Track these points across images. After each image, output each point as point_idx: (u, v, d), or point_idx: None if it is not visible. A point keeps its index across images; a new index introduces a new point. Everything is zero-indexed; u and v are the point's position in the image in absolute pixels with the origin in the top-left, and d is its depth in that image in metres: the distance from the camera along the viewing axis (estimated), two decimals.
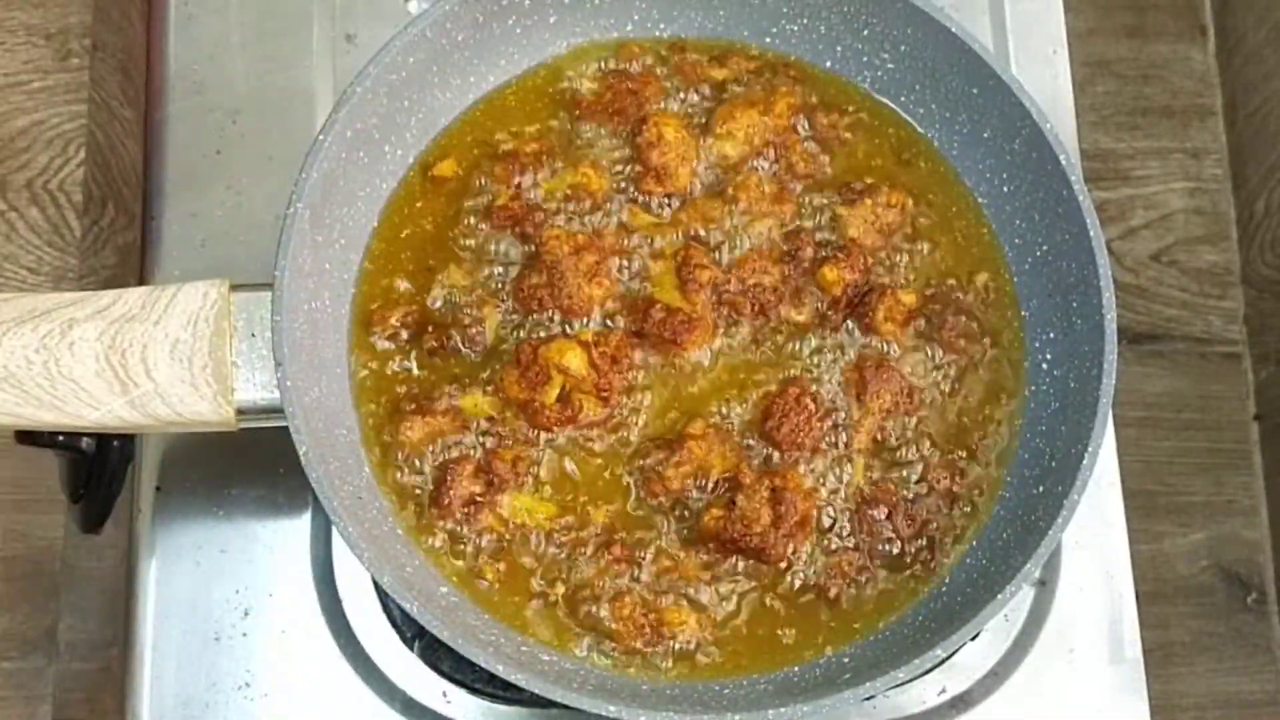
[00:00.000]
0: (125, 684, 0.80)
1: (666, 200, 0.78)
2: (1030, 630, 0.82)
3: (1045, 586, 0.83)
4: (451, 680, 0.80)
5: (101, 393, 0.69)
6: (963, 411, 0.76)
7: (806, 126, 0.80)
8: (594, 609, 0.72)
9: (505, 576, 0.73)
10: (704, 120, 0.80)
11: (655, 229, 0.77)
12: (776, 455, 0.74)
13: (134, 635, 0.80)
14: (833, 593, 0.73)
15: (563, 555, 0.73)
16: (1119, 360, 0.71)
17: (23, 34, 1.49)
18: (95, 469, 0.83)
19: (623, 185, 0.79)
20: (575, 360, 0.73)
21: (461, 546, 0.73)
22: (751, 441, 0.74)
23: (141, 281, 0.86)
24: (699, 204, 0.78)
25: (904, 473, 0.75)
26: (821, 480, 0.74)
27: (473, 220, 0.78)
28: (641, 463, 0.74)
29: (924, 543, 0.74)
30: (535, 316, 0.76)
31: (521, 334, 0.75)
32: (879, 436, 0.75)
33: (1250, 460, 1.48)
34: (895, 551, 0.74)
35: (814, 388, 0.75)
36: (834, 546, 0.73)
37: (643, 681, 0.72)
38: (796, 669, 0.72)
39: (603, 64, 0.81)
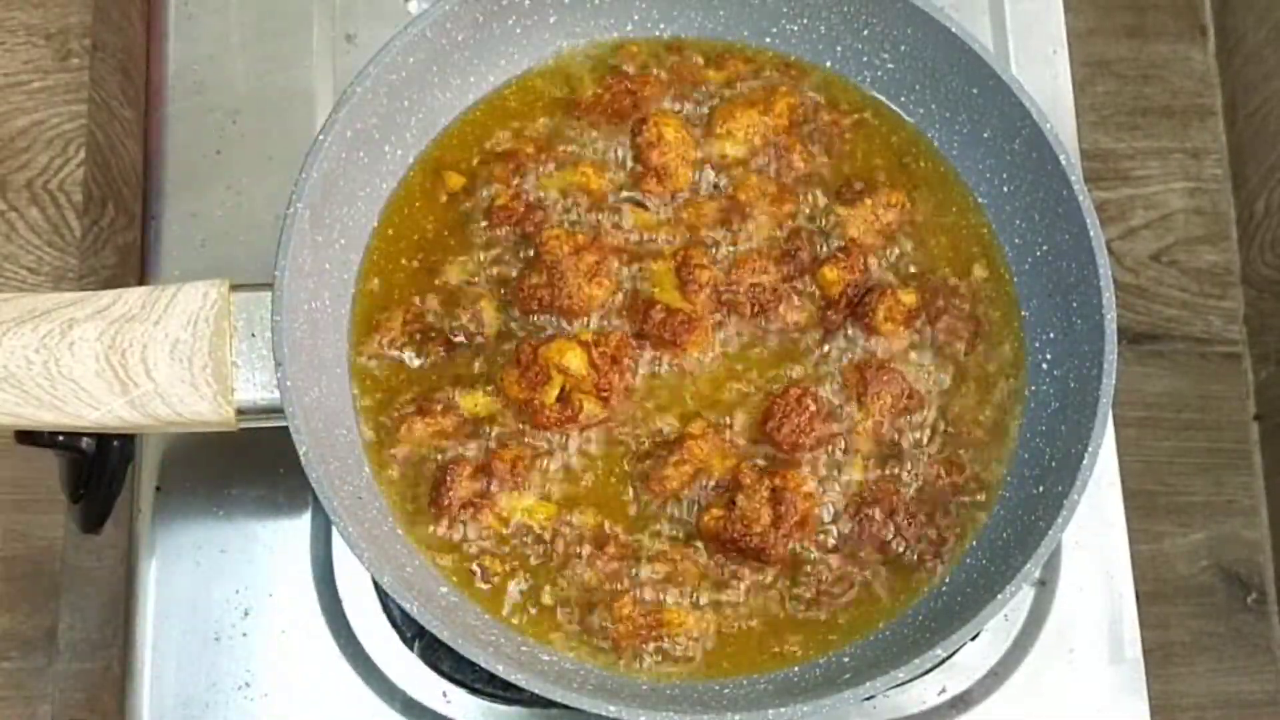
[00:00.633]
0: (125, 684, 0.80)
1: (666, 200, 0.78)
2: (1030, 630, 0.82)
3: (1045, 586, 0.83)
4: (451, 680, 0.80)
5: (101, 393, 0.69)
6: (962, 412, 0.76)
7: (807, 126, 0.80)
8: (593, 609, 0.72)
9: (505, 577, 0.73)
10: (704, 120, 0.80)
11: (655, 229, 0.77)
12: (777, 455, 0.74)
13: (134, 635, 0.80)
14: (833, 592, 0.73)
15: (562, 555, 0.73)
16: (1119, 360, 0.71)
17: (23, 34, 1.49)
18: (95, 469, 0.83)
19: (623, 185, 0.79)
20: (575, 360, 0.73)
21: (461, 547, 0.73)
22: (752, 442, 0.74)
23: (141, 281, 0.86)
24: (699, 204, 0.78)
25: (904, 473, 0.75)
26: (822, 481, 0.74)
27: (473, 220, 0.78)
28: (641, 463, 0.74)
29: (924, 543, 0.74)
30: (535, 316, 0.76)
31: (521, 334, 0.75)
32: (879, 437, 0.75)
33: (1250, 460, 1.48)
34: (895, 552, 0.74)
35: (815, 388, 0.75)
36: (833, 546, 0.73)
37: (643, 681, 0.72)
38: (796, 669, 0.72)
39: (603, 64, 0.81)
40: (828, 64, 0.81)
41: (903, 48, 0.79)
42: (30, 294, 0.70)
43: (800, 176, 0.79)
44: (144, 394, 0.69)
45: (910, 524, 0.74)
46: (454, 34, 0.76)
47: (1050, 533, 0.68)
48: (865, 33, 0.79)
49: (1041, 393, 0.76)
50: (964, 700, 0.81)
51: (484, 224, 0.78)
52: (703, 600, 0.72)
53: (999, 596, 0.67)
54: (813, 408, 0.74)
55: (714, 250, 0.77)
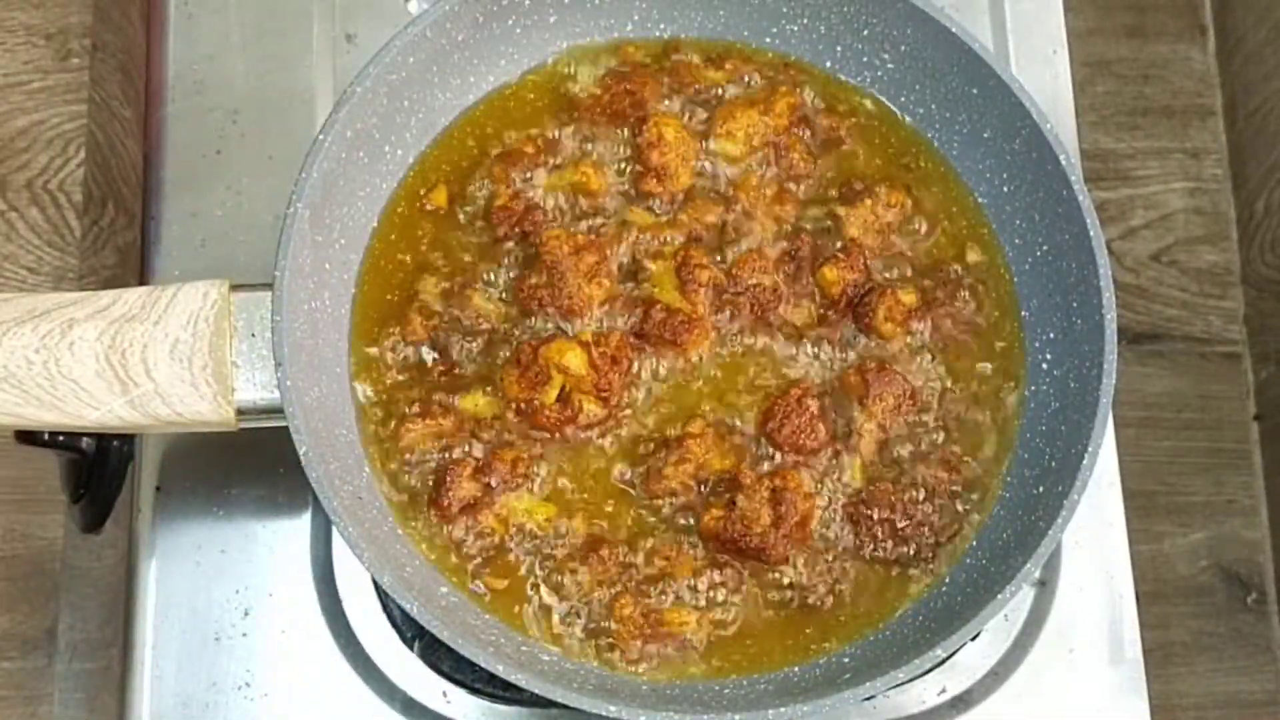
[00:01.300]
0: (125, 684, 0.80)
1: (666, 200, 0.78)
2: (1030, 630, 0.82)
3: (1045, 586, 0.83)
4: (451, 680, 0.80)
5: (101, 393, 0.69)
6: (962, 412, 0.76)
7: (807, 127, 0.80)
8: (593, 609, 0.72)
9: (505, 577, 0.73)
10: (704, 120, 0.80)
11: (655, 229, 0.77)
12: (777, 456, 0.74)
13: (134, 635, 0.80)
14: (833, 592, 0.73)
15: (561, 556, 0.73)
16: (1119, 360, 0.71)
17: (22, 34, 1.49)
18: (95, 469, 0.83)
19: (623, 185, 0.79)
20: (575, 360, 0.73)
21: (461, 547, 0.73)
22: (752, 442, 0.74)
23: (141, 281, 0.86)
24: (699, 204, 0.78)
25: (904, 474, 0.75)
26: (821, 481, 0.74)
27: (472, 221, 0.78)
28: (640, 464, 0.74)
29: (924, 542, 0.74)
30: (535, 317, 0.76)
31: (521, 334, 0.75)
32: (879, 438, 0.75)
33: (1250, 460, 1.48)
34: (896, 552, 0.74)
35: (815, 389, 0.75)
36: (835, 546, 0.73)
37: (643, 681, 0.72)
38: (796, 669, 0.72)
39: (603, 64, 0.81)
40: (828, 64, 0.81)
41: (903, 48, 0.79)
42: (30, 294, 0.70)
43: (800, 177, 0.79)
44: (144, 394, 0.69)
45: (910, 524, 0.74)
46: (454, 34, 0.76)
47: (1050, 533, 0.68)
48: (865, 33, 0.79)
49: (1041, 393, 0.76)
50: (964, 700, 0.81)
51: (483, 225, 0.78)
52: (703, 600, 0.72)
53: (999, 597, 0.68)
54: (813, 408, 0.74)
55: (714, 252, 0.77)
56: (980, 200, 0.80)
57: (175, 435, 0.82)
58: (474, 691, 0.80)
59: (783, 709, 0.66)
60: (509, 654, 0.69)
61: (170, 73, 0.89)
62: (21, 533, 1.40)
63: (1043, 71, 0.92)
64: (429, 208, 0.78)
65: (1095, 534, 0.84)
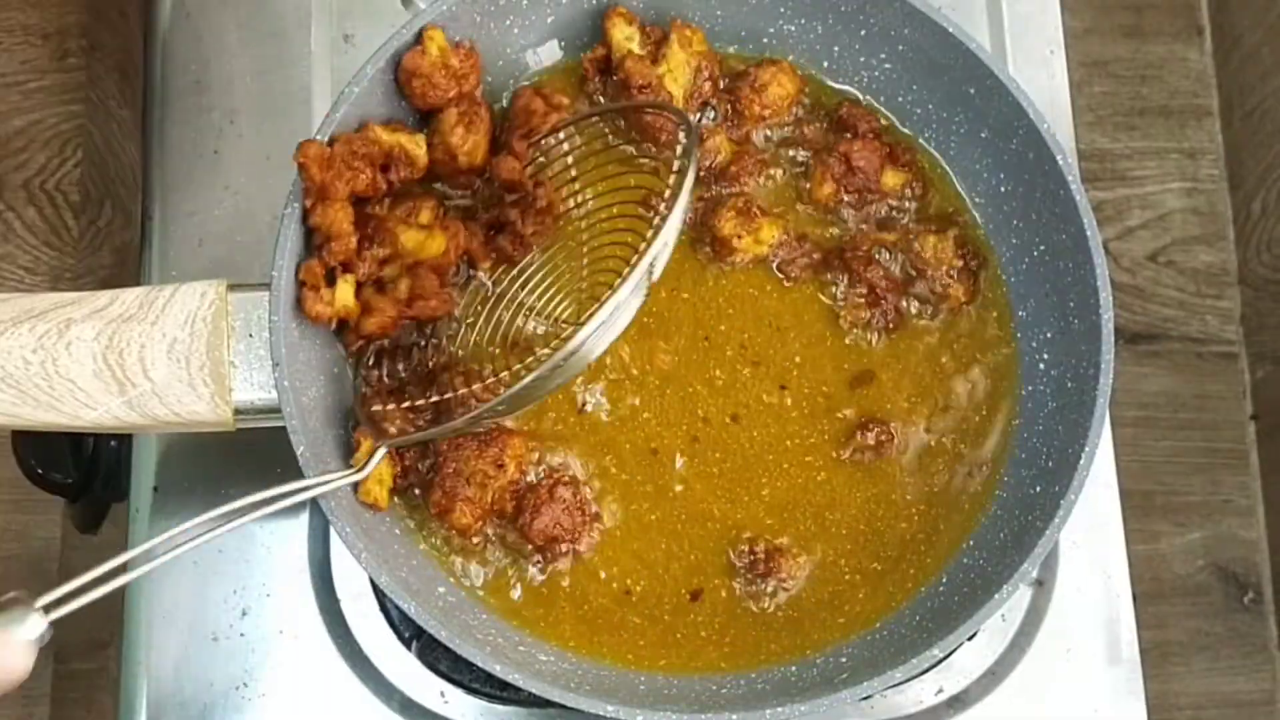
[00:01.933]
0: (122, 684, 0.80)
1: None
2: (1027, 630, 0.82)
3: (1042, 586, 0.83)
4: (449, 680, 0.80)
5: (99, 392, 0.69)
6: (960, 411, 0.76)
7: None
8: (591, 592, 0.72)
9: (504, 570, 0.73)
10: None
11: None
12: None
13: (131, 635, 0.80)
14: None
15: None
16: (1116, 360, 0.71)
17: (20, 34, 1.49)
18: (92, 469, 0.83)
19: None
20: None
21: (460, 546, 0.73)
22: None
23: (139, 281, 0.85)
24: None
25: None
26: None
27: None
28: None
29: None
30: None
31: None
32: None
33: (1247, 460, 1.48)
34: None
35: None
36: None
37: (640, 680, 0.72)
38: (794, 669, 0.72)
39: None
40: (825, 64, 0.81)
41: (900, 48, 0.79)
42: (27, 294, 0.70)
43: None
44: (141, 394, 0.69)
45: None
46: (453, 34, 0.76)
47: (1047, 533, 0.69)
48: (863, 33, 0.79)
49: (1038, 393, 0.76)
50: (961, 700, 0.81)
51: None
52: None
53: (996, 596, 0.68)
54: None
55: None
56: (977, 200, 0.80)
57: (172, 435, 0.82)
58: (471, 691, 0.80)
59: (780, 709, 0.66)
60: (506, 654, 0.69)
61: (168, 73, 0.89)
62: (19, 532, 1.40)
63: (1040, 72, 0.92)
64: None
65: (1092, 534, 0.84)
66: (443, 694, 0.80)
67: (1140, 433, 1.47)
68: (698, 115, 0.79)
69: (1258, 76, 1.51)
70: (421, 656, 0.80)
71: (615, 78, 0.77)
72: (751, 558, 0.74)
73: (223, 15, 0.90)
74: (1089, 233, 0.73)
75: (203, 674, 0.79)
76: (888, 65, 0.80)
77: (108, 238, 1.45)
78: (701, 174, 0.78)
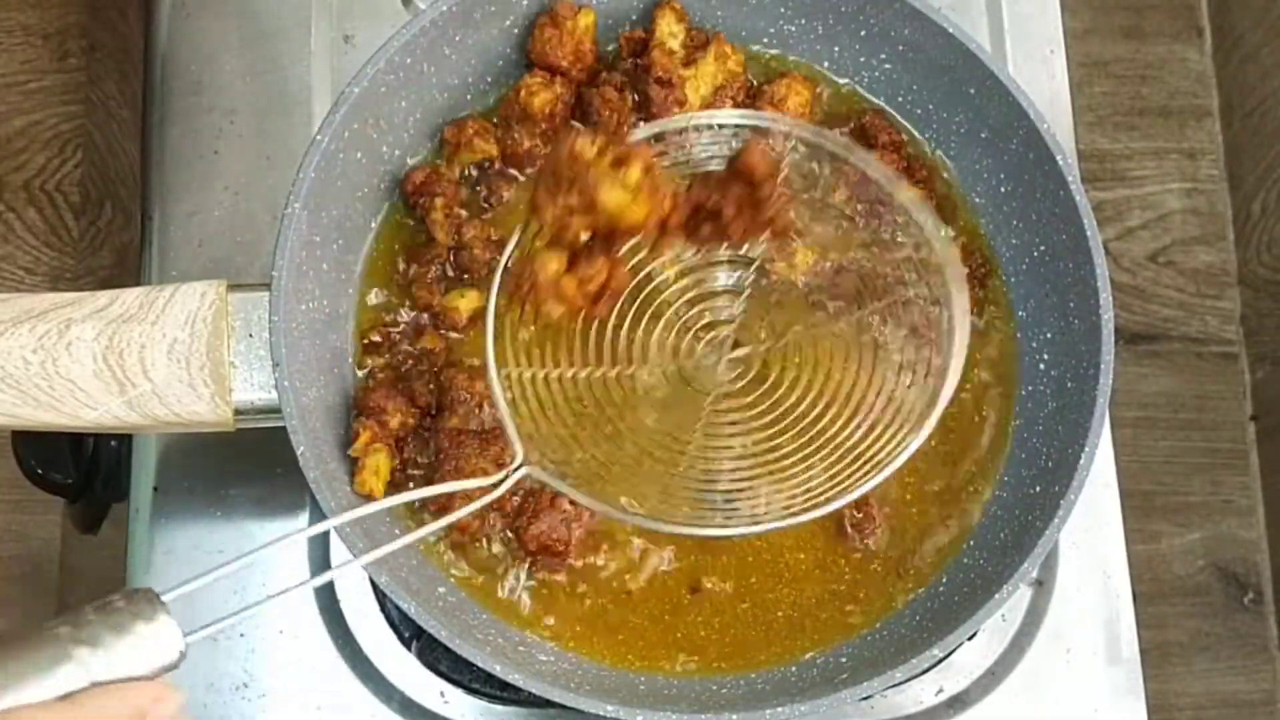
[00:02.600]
0: None
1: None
2: (1027, 630, 0.82)
3: (1042, 586, 0.83)
4: (449, 680, 0.80)
5: (99, 393, 0.69)
6: (960, 410, 0.76)
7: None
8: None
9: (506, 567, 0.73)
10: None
11: None
12: None
13: None
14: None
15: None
16: (1116, 360, 0.71)
17: (20, 34, 1.49)
18: (92, 469, 0.83)
19: None
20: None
21: (457, 543, 0.73)
22: None
23: (139, 282, 0.85)
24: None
25: None
26: None
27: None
28: None
29: None
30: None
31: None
32: None
33: (1247, 460, 1.48)
34: None
35: None
36: None
37: (640, 680, 0.72)
38: (794, 669, 0.72)
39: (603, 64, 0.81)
40: (825, 64, 0.81)
41: (900, 48, 0.79)
42: (27, 294, 0.70)
43: None
44: (141, 394, 0.69)
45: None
46: (452, 34, 0.76)
47: (1047, 533, 0.69)
48: (863, 33, 0.79)
49: (1038, 393, 0.76)
50: (961, 700, 0.81)
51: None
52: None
53: (996, 596, 0.68)
54: None
55: None
56: (977, 200, 0.80)
57: (173, 436, 0.82)
58: (471, 691, 0.80)
59: (780, 709, 0.66)
60: (507, 654, 0.69)
61: (167, 73, 0.89)
62: (19, 533, 1.40)
63: (1040, 72, 0.92)
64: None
65: (1092, 534, 0.84)
66: (443, 694, 0.80)
67: (1140, 433, 1.47)
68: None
69: (1258, 77, 1.51)
70: (421, 656, 0.80)
71: (640, 61, 0.77)
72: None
73: (223, 15, 0.90)
74: (1089, 233, 0.73)
75: (203, 674, 0.79)
76: (888, 65, 0.80)
77: (108, 238, 1.45)
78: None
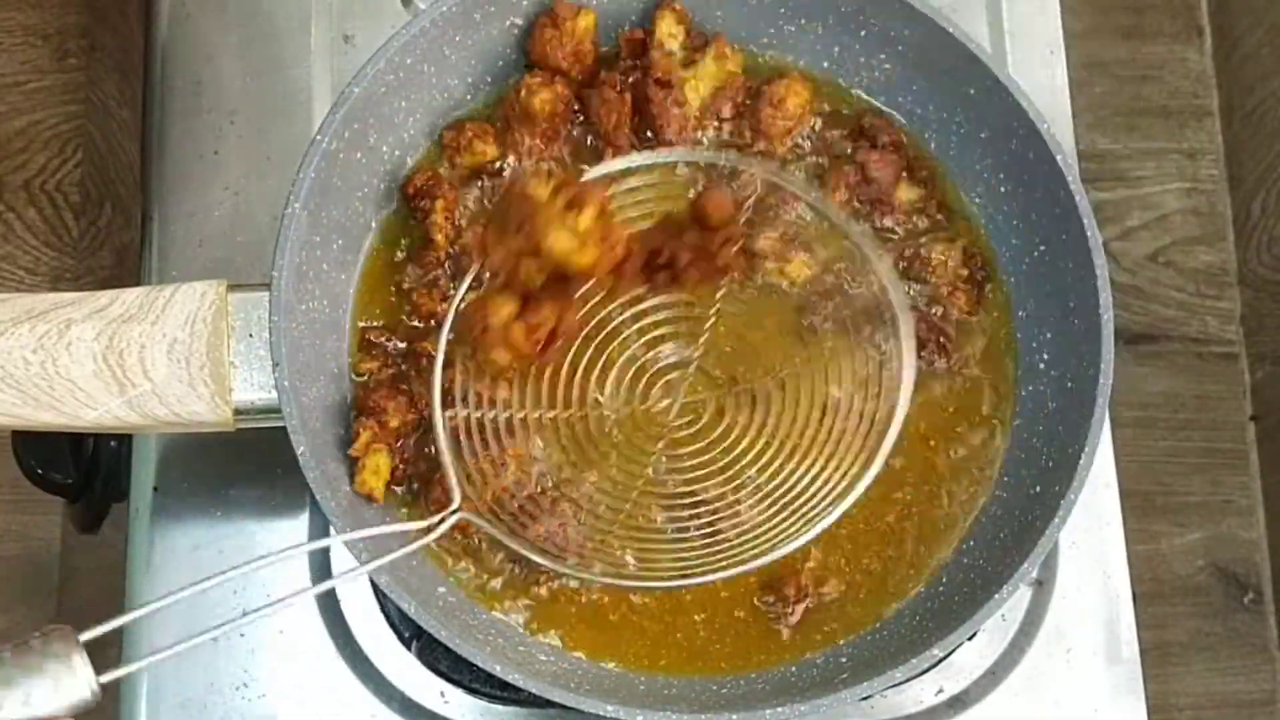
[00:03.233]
0: (122, 685, 0.79)
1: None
2: (1027, 630, 0.82)
3: (1042, 586, 0.83)
4: (449, 680, 0.80)
5: (99, 393, 0.69)
6: (960, 410, 0.76)
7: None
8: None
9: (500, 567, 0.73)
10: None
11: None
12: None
13: (131, 636, 0.80)
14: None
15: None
16: (1116, 360, 0.71)
17: (20, 34, 1.49)
18: (92, 469, 0.83)
19: None
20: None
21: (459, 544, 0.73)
22: None
23: (139, 282, 0.85)
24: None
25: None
26: None
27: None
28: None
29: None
30: None
31: None
32: None
33: (1247, 460, 1.48)
34: None
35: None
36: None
37: (640, 680, 0.72)
38: (794, 668, 0.72)
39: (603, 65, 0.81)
40: (825, 65, 0.81)
41: (900, 49, 0.79)
42: (27, 294, 0.70)
43: None
44: (141, 394, 0.69)
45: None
46: (451, 35, 0.76)
47: (1047, 533, 0.69)
48: (863, 34, 0.79)
49: (1038, 393, 0.76)
50: (961, 700, 0.81)
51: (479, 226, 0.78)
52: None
53: (996, 596, 0.68)
54: None
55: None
56: (977, 201, 0.80)
57: (173, 436, 0.82)
58: (472, 691, 0.80)
59: (780, 709, 0.66)
60: (507, 654, 0.69)
61: (167, 73, 0.89)
62: (19, 533, 1.40)
63: (1040, 72, 0.92)
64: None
65: (1092, 534, 0.84)
66: (443, 694, 0.80)
67: (1140, 433, 1.47)
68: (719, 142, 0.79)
69: (1258, 77, 1.51)
70: (421, 656, 0.80)
71: (640, 62, 0.77)
72: None
73: (223, 15, 0.90)
74: (1089, 233, 0.73)
75: (203, 674, 0.79)
76: (888, 66, 0.80)
77: (108, 238, 1.45)
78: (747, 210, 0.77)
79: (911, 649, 0.68)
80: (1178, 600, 1.43)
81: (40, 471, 0.82)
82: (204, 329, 0.70)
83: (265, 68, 0.90)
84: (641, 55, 0.78)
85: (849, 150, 0.79)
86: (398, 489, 0.74)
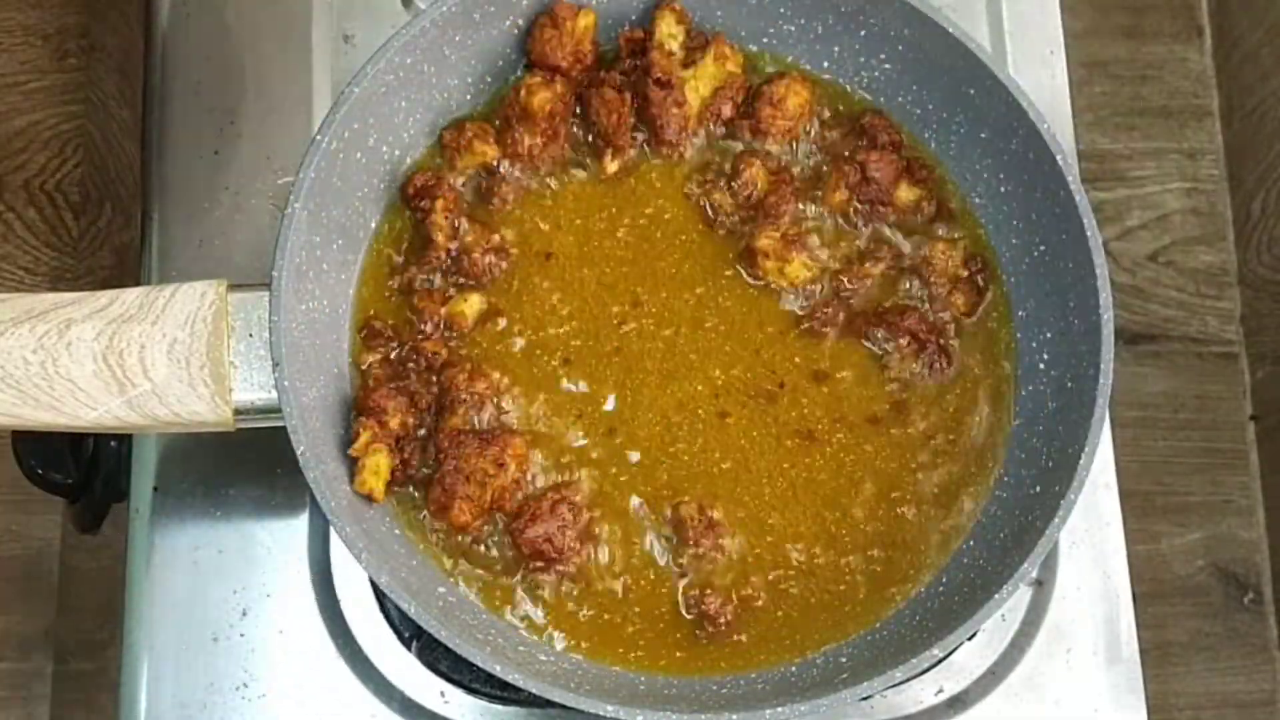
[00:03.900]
0: (122, 685, 0.79)
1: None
2: (1027, 630, 0.82)
3: (1042, 586, 0.83)
4: (449, 680, 0.80)
5: (99, 393, 0.69)
6: (959, 410, 0.76)
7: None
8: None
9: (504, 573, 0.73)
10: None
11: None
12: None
13: (131, 636, 0.80)
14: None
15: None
16: (1116, 360, 0.71)
17: (20, 34, 1.49)
18: (92, 469, 0.83)
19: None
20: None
21: (458, 545, 0.73)
22: None
23: (139, 282, 0.85)
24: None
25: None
26: None
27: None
28: None
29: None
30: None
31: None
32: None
33: (1247, 460, 1.48)
34: None
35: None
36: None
37: (640, 680, 0.72)
38: (794, 668, 0.72)
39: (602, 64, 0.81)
40: (825, 64, 0.81)
41: (900, 48, 0.79)
42: (27, 294, 0.70)
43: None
44: (141, 394, 0.69)
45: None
46: (451, 35, 0.76)
47: (1047, 532, 0.69)
48: (863, 33, 0.79)
49: (1038, 392, 0.76)
50: (961, 700, 0.81)
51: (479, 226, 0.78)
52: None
53: (996, 596, 0.68)
54: None
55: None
56: (977, 200, 0.80)
57: (172, 436, 0.82)
58: (472, 691, 0.80)
59: (780, 709, 0.66)
60: (507, 654, 0.69)
61: (168, 73, 0.89)
62: (19, 533, 1.40)
63: (1040, 72, 0.92)
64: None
65: (1092, 534, 0.84)
66: (443, 694, 0.80)
67: (1140, 433, 1.47)
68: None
69: (1258, 77, 1.51)
70: (421, 656, 0.80)
71: (640, 62, 0.77)
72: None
73: (223, 15, 0.90)
74: (1089, 233, 0.73)
75: (203, 674, 0.79)
76: (888, 65, 0.80)
77: (108, 238, 1.45)
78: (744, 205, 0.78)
79: (911, 649, 0.68)
80: (1178, 600, 1.43)
81: (40, 471, 0.82)
82: (204, 329, 0.70)
83: (265, 68, 0.90)
84: (641, 55, 0.78)
85: (848, 151, 0.79)
86: (398, 489, 0.74)
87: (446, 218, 0.76)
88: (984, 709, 0.81)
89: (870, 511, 0.75)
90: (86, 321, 0.69)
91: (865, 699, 0.80)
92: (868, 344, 0.77)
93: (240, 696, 0.79)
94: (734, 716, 0.66)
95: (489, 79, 0.80)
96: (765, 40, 0.81)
